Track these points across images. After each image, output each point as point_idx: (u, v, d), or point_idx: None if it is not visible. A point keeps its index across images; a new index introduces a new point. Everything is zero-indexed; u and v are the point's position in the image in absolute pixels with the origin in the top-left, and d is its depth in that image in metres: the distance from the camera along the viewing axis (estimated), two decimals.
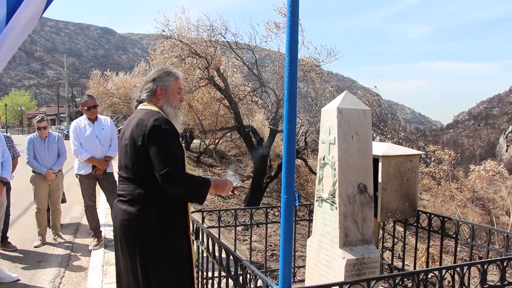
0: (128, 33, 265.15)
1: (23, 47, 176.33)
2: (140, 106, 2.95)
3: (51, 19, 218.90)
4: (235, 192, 3.04)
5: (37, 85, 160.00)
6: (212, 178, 2.86)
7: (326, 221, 3.70)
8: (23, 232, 7.27)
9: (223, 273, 3.31)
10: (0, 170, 5.20)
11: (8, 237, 6.43)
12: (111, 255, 5.73)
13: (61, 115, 64.05)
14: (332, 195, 3.58)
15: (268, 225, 5.04)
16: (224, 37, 10.32)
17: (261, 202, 10.61)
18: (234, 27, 15.14)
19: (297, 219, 5.12)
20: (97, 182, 6.23)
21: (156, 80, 2.93)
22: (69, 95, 57.73)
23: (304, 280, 4.31)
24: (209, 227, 4.35)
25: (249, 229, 5.25)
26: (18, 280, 5.20)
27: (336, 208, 3.53)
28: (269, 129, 10.87)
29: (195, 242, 3.66)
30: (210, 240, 3.42)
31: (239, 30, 22.44)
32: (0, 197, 5.19)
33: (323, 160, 3.74)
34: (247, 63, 10.76)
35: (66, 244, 6.68)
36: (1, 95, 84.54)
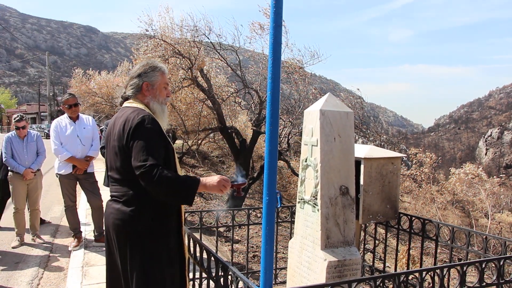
0: (111, 32, 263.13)
1: (3, 44, 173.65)
2: (126, 104, 2.89)
3: (33, 16, 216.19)
4: (241, 192, 2.94)
5: (18, 83, 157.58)
6: (203, 177, 2.77)
7: (308, 222, 3.71)
8: (0, 232, 7.12)
9: (204, 275, 3.30)
10: None
11: None
12: (91, 256, 5.67)
13: (42, 113, 63.20)
14: (314, 197, 3.59)
15: (250, 227, 5.03)
16: (208, 38, 10.28)
17: (243, 203, 10.60)
18: (218, 28, 15.09)
19: (279, 220, 5.12)
20: (77, 182, 6.15)
21: (142, 76, 2.87)
22: (51, 94, 56.87)
23: (286, 282, 4.32)
24: (191, 228, 4.33)
25: (231, 231, 5.24)
26: None
27: (318, 210, 3.54)
28: (252, 130, 10.86)
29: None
30: (191, 241, 3.39)
31: (223, 31, 22.42)
32: None
33: (305, 162, 3.75)
34: (231, 64, 10.74)
35: (45, 244, 6.58)
36: None
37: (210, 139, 13.30)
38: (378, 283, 2.66)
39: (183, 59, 9.92)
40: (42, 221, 6.51)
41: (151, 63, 2.94)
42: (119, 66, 27.46)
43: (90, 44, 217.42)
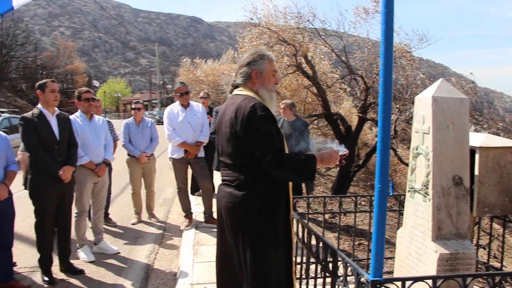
0: (215, 21, 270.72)
1: (119, 38, 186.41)
2: (236, 91, 2.99)
3: (144, 10, 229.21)
4: (343, 161, 2.97)
5: (131, 73, 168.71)
6: (317, 153, 2.84)
7: (418, 212, 3.61)
8: (121, 209, 7.82)
9: (312, 260, 3.36)
10: (104, 152, 5.59)
11: (109, 214, 6.99)
12: (201, 236, 5.99)
13: (153, 101, 67.11)
14: (425, 186, 3.48)
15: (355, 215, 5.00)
16: (312, 24, 10.23)
17: (348, 191, 10.49)
18: (321, 14, 14.88)
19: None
20: (189, 166, 6.51)
21: (251, 64, 2.94)
22: (160, 82, 60.37)
23: (393, 272, 4.24)
24: (298, 213, 4.41)
25: (336, 218, 5.24)
26: (119, 253, 5.64)
27: (429, 200, 3.42)
28: (357, 117, 10.67)
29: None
30: (299, 226, 3.46)
31: (327, 16, 22.07)
32: (103, 177, 5.58)
33: (416, 150, 3.63)
34: (335, 50, 10.60)
35: (159, 223, 7.09)
36: (101, 83, 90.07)
37: (315, 126, 13.26)
38: (497, 281, 2.45)
39: (288, 46, 9.98)
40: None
41: (259, 52, 3.01)
42: (224, 54, 28.32)
43: (196, 34, 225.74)
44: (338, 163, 2.93)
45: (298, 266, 3.91)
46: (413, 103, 3.77)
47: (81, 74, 59.93)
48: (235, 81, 3.05)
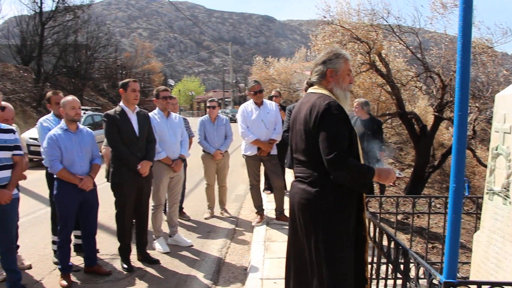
0: (287, 20, 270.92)
1: (193, 38, 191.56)
2: (311, 90, 3.02)
3: (217, 10, 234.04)
4: (396, 183, 2.99)
5: (205, 72, 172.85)
6: (377, 167, 2.85)
7: (497, 216, 3.45)
8: (195, 204, 8.08)
9: (383, 259, 3.32)
10: (180, 148, 5.82)
11: (183, 208, 7.26)
12: (272, 233, 6.07)
13: (226, 99, 68.36)
14: (505, 188, 3.32)
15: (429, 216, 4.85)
16: (386, 21, 9.98)
17: (422, 192, 10.15)
18: (396, 10, 14.49)
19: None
20: (261, 163, 6.61)
21: (326, 63, 2.96)
22: (233, 81, 61.46)
23: (468, 278, 4.09)
24: (370, 212, 4.36)
25: (409, 219, 5.12)
26: (192, 245, 5.86)
27: (509, 203, 3.27)
28: (433, 116, 10.29)
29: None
30: (371, 225, 3.44)
31: (402, 12, 21.44)
32: (179, 172, 5.81)
33: (496, 150, 3.48)
34: (410, 47, 10.29)
35: (231, 218, 7.26)
36: (176, 82, 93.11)
37: (388, 125, 12.96)
38: None
39: (361, 44, 9.82)
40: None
41: (335, 50, 3.02)
42: (296, 53, 28.30)
43: (268, 32, 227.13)
44: (391, 183, 2.95)
45: (369, 266, 3.88)
46: (494, 101, 3.60)
47: (158, 74, 62.21)
48: (310, 79, 3.09)
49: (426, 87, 11.50)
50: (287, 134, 5.82)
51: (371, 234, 3.43)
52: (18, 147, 4.25)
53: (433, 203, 4.98)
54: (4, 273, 4.40)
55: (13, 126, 4.47)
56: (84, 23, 31.68)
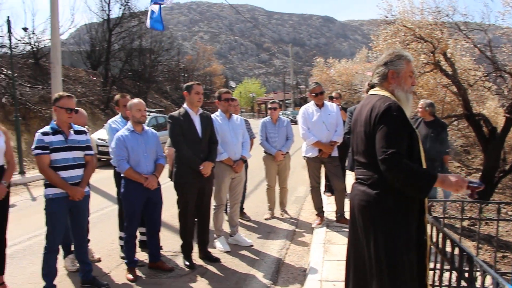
0: (348, 20, 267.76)
1: (253, 40, 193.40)
2: (372, 91, 3.00)
3: (277, 12, 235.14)
4: (475, 195, 2.80)
5: (265, 73, 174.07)
6: (442, 174, 2.72)
7: None
8: (256, 205, 8.16)
9: (446, 266, 3.22)
10: (241, 149, 5.91)
11: (244, 208, 7.36)
12: (332, 235, 6.02)
13: (286, 101, 68.39)
14: None
15: (499, 224, 4.64)
16: (452, 18, 9.67)
17: (491, 198, 9.70)
18: (463, 7, 13.88)
19: None
20: (322, 165, 6.59)
21: (388, 64, 2.93)
22: (294, 83, 61.43)
23: None
24: (433, 217, 4.23)
25: (475, 225, 4.91)
26: (252, 245, 5.93)
27: None
28: (504, 117, 9.82)
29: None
30: (434, 229, 3.34)
31: (469, 9, 20.59)
32: (240, 173, 5.90)
33: None
34: (479, 45, 9.86)
35: (291, 220, 7.27)
36: (237, 84, 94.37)
37: (454, 127, 12.49)
38: None
39: (425, 43, 9.56)
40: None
41: (397, 52, 2.97)
42: (357, 53, 27.89)
43: (328, 33, 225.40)
44: (469, 194, 2.74)
45: (431, 272, 3.77)
46: None
47: (219, 76, 63.33)
48: (371, 81, 3.06)
49: (497, 87, 10.99)
50: (349, 136, 5.78)
51: (434, 240, 3.33)
52: (89, 147, 4.52)
53: (504, 210, 4.76)
54: (77, 264, 4.70)
55: (85, 128, 4.73)
56: (148, 28, 32.76)
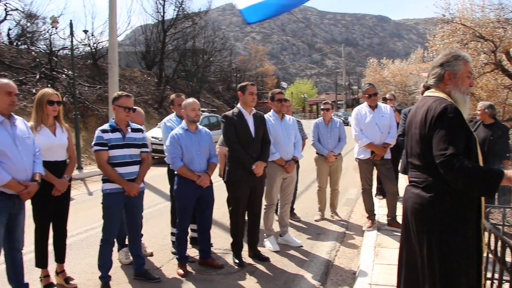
0: (403, 19, 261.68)
1: (305, 40, 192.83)
2: (427, 93, 2.93)
3: (330, 12, 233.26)
4: None
5: (317, 74, 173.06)
6: (508, 170, 2.61)
7: None
8: (306, 206, 8.14)
9: (505, 276, 3.09)
10: (293, 149, 5.90)
11: (294, 209, 7.37)
12: (383, 238, 5.91)
13: (338, 102, 67.71)
14: None
15: None
16: None
17: None
18: None
19: None
20: (374, 167, 6.48)
21: (444, 65, 2.86)
22: (346, 83, 60.69)
23: None
24: (491, 224, 4.07)
25: None
26: (301, 246, 5.91)
27: None
28: None
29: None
30: (492, 236, 3.22)
31: None
32: (292, 173, 5.90)
33: None
34: None
35: (341, 222, 7.20)
36: (288, 84, 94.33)
37: None
38: None
39: (485, 42, 9.21)
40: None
41: (453, 52, 2.89)
42: (412, 54, 27.23)
43: (382, 33, 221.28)
44: None
45: (488, 282, 3.62)
46: None
47: (271, 76, 63.52)
48: (426, 82, 3.00)
49: None
50: (402, 138, 5.65)
51: (492, 247, 3.21)
52: (145, 145, 4.67)
53: None
54: (131, 257, 4.86)
55: (142, 126, 4.89)
56: (201, 29, 33.58)
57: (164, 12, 29.52)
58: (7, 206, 3.71)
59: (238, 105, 5.25)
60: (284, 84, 77.45)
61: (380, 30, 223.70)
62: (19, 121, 3.95)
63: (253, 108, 5.27)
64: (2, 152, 3.65)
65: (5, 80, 3.86)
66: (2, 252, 3.85)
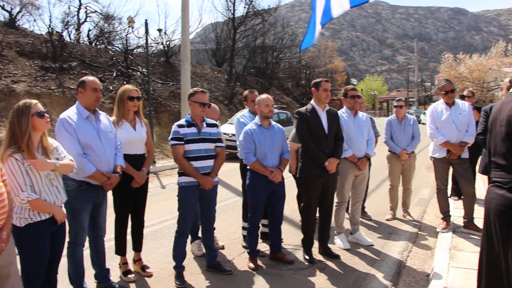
0: (482, 10, 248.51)
1: (376, 35, 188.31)
2: None
3: (401, 6, 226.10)
4: None
5: (388, 70, 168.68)
6: None
7: None
8: (377, 204, 8.02)
9: None
10: (366, 146, 5.81)
11: (365, 207, 7.28)
12: (459, 241, 5.70)
13: (410, 99, 65.72)
14: None
15: None
16: None
17: None
18: None
19: None
20: (450, 167, 6.25)
21: None
22: (418, 80, 58.68)
23: None
24: None
25: None
26: (372, 245, 5.83)
27: None
28: None
29: None
30: None
31: None
32: (364, 171, 5.83)
33: None
34: None
35: (414, 222, 7.01)
36: (358, 81, 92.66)
37: None
38: None
39: None
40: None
41: None
42: (492, 47, 25.77)
43: (458, 26, 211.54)
44: None
45: None
46: None
47: (340, 73, 62.72)
48: None
49: None
50: (482, 137, 5.40)
51: None
52: (220, 140, 4.79)
53: None
54: (203, 249, 5.03)
55: (217, 121, 5.03)
56: (270, 26, 33.79)
57: (234, 10, 30.06)
58: (92, 196, 4.01)
59: (312, 102, 5.27)
60: (354, 81, 76.09)
61: (456, 24, 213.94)
62: (102, 116, 4.22)
63: (326, 104, 5.26)
64: (88, 145, 3.92)
65: (91, 77, 4.14)
66: (88, 238, 4.14)
